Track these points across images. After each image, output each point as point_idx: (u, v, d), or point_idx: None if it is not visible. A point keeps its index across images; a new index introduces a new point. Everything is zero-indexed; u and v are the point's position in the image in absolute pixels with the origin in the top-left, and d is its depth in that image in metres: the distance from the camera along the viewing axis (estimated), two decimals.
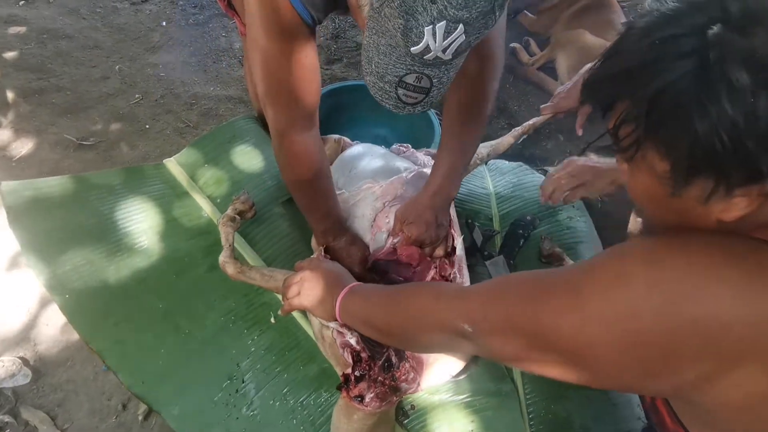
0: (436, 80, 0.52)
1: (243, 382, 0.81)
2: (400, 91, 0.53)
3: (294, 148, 0.73)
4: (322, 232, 0.84)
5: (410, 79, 0.51)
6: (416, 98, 0.54)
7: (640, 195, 0.42)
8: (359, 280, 0.70)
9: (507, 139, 1.04)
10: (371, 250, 0.85)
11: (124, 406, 0.93)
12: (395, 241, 0.81)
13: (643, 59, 0.36)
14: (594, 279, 0.40)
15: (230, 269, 0.81)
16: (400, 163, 0.96)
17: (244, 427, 0.77)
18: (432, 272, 0.83)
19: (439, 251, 0.83)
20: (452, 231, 0.85)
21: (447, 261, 0.83)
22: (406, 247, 0.80)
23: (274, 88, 0.67)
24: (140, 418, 0.91)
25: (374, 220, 0.86)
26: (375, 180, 0.90)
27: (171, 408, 0.77)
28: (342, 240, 0.83)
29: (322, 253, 0.84)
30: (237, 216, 0.88)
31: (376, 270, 0.86)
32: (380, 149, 1.02)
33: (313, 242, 0.91)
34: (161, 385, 0.79)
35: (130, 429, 0.91)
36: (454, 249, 0.84)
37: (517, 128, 1.05)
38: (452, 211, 0.87)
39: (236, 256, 0.85)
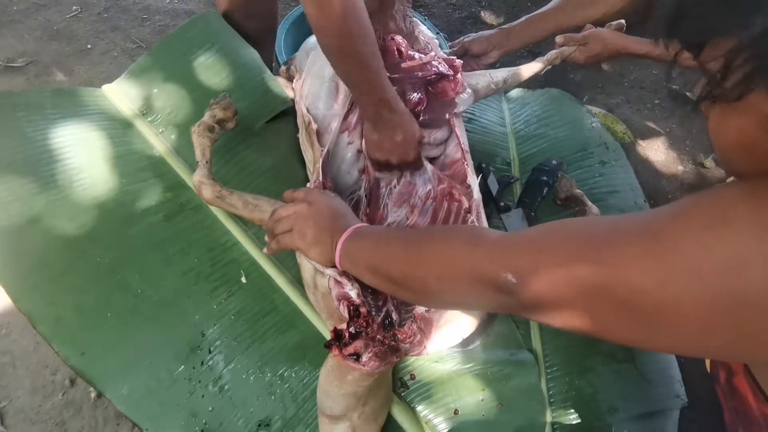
0: None
1: (209, 353, 0.67)
2: None
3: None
4: (392, 98, 0.69)
5: None
6: None
7: (732, 141, 0.36)
8: (413, 163, 0.66)
9: (531, 66, 0.88)
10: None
11: (72, 382, 0.79)
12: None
13: None
14: (683, 222, 0.33)
15: (207, 192, 0.67)
16: None
17: (212, 406, 0.65)
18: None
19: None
20: (466, 167, 0.70)
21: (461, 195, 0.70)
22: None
23: None
24: (92, 395, 0.78)
25: None
26: None
27: (118, 386, 0.63)
28: (401, 105, 0.70)
29: (320, 180, 0.69)
30: (216, 125, 0.71)
31: None
32: None
33: (309, 152, 0.76)
34: (107, 357, 0.64)
35: (79, 408, 0.77)
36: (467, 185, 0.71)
37: (543, 56, 0.90)
38: (462, 135, 0.73)
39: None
